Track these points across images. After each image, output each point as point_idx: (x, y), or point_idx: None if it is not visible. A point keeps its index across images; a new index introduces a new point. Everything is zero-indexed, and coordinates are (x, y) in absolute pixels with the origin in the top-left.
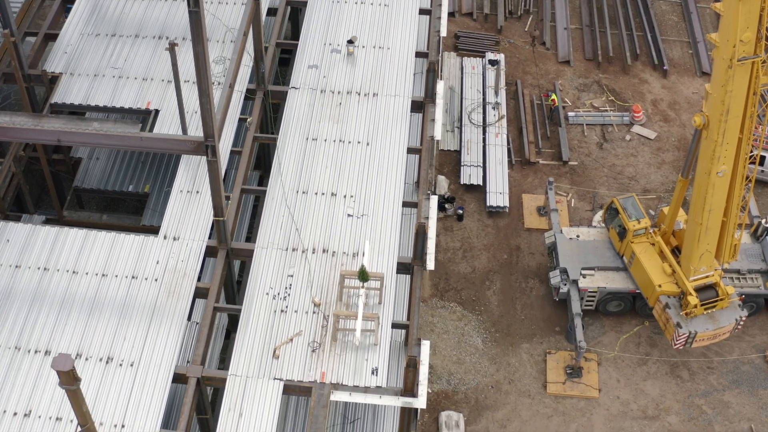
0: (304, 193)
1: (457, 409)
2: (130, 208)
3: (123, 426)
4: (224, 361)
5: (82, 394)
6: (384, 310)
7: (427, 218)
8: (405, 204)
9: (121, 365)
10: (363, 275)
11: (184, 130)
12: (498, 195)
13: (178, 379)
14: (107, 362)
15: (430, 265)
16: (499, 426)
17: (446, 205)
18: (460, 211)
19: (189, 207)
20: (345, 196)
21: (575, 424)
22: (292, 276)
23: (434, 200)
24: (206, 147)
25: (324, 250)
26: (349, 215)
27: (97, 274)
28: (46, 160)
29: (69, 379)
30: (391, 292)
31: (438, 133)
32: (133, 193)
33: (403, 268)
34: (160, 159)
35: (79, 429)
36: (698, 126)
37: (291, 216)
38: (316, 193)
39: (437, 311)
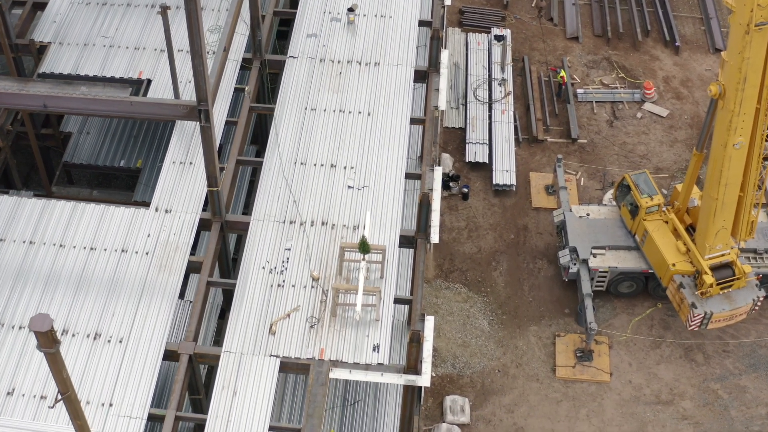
0: (302, 164)
1: (463, 394)
2: (122, 184)
3: (111, 405)
4: (218, 343)
5: (62, 358)
6: (386, 285)
7: (431, 190)
8: (408, 176)
9: (109, 342)
10: (364, 246)
11: (177, 95)
12: (504, 173)
13: (170, 356)
14: (95, 338)
15: (435, 238)
16: (506, 411)
17: (451, 184)
18: (465, 190)
19: (182, 178)
20: (345, 168)
21: (585, 409)
22: (289, 249)
23: (438, 172)
24: (199, 111)
25: (323, 223)
26: (349, 187)
27: (85, 248)
28: (35, 134)
29: (47, 341)
30: (394, 266)
31: (442, 103)
32: (125, 169)
33: (406, 241)
34: (153, 133)
35: (59, 397)
36: (714, 95)
37: (289, 188)
38: (315, 165)
39: (441, 292)
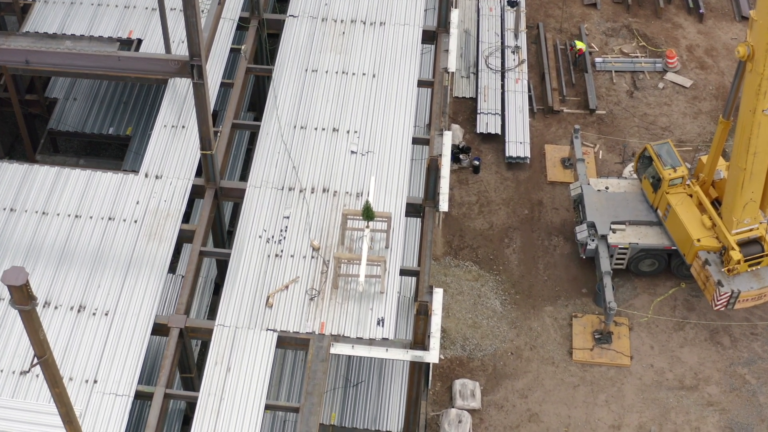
0: (302, 128)
1: (473, 378)
2: (111, 153)
3: (95, 381)
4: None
5: (38, 316)
6: (391, 255)
7: (440, 155)
8: (415, 141)
9: (94, 315)
10: (368, 213)
11: (168, 49)
12: (518, 145)
13: (159, 330)
14: (79, 311)
15: (444, 206)
16: (520, 396)
17: (461, 156)
18: (477, 163)
19: (173, 143)
20: (348, 132)
21: (604, 394)
22: (288, 218)
23: (448, 136)
24: (192, 67)
25: (324, 190)
26: (352, 152)
27: (69, 216)
28: (18, 100)
29: (22, 297)
30: (400, 235)
31: (452, 64)
32: (114, 137)
33: (413, 210)
34: (144, 99)
35: (35, 361)
36: (742, 57)
37: (288, 153)
38: (316, 129)
39: (451, 270)
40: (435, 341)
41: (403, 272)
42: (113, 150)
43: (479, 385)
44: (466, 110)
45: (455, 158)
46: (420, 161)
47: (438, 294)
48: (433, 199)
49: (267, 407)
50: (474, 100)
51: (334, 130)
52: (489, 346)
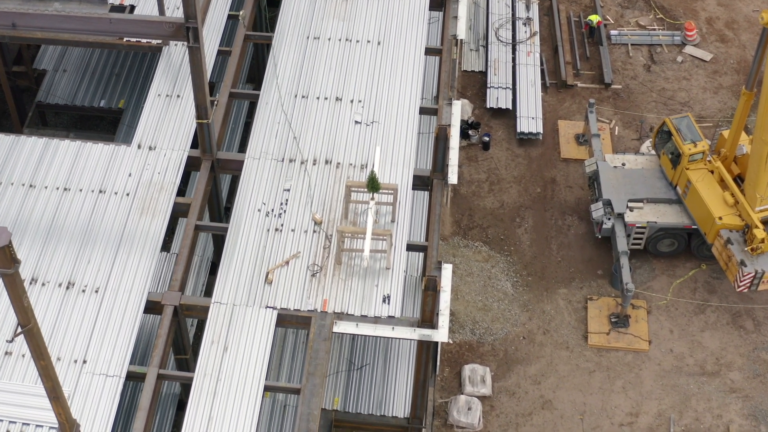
0: (303, 97)
1: (483, 363)
2: (102, 127)
3: (85, 361)
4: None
5: (21, 281)
6: (398, 229)
7: (449, 125)
8: (423, 110)
9: (83, 292)
10: (373, 184)
11: (162, 11)
12: (530, 120)
13: (152, 308)
14: (68, 288)
15: (453, 178)
16: (533, 382)
17: (470, 132)
18: (486, 139)
19: (168, 113)
20: (352, 101)
21: (621, 380)
22: (288, 190)
23: (457, 106)
24: (187, 30)
25: (326, 162)
26: (356, 122)
27: (58, 189)
28: (5, 72)
29: (4, 259)
30: (407, 209)
31: (462, 32)
32: (106, 110)
33: (420, 182)
34: (137, 71)
35: (18, 330)
36: (766, 24)
37: (288, 123)
38: (318, 98)
39: (460, 251)
40: (444, 319)
41: (410, 247)
42: (105, 125)
43: (490, 371)
44: (475, 84)
45: (464, 134)
46: (428, 134)
47: (447, 270)
48: (441, 171)
49: (266, 389)
50: (483, 74)
51: (337, 99)
52: (500, 330)
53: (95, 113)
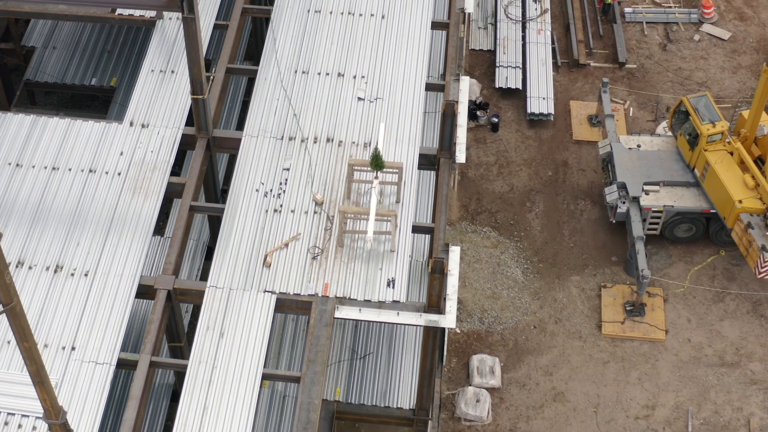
0: (304, 73)
1: (492, 353)
2: (94, 106)
3: (73, 348)
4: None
5: (3, 255)
6: (403, 210)
7: (457, 101)
8: (429, 87)
9: (72, 275)
10: (377, 161)
11: None
12: (541, 100)
13: (145, 293)
14: (56, 272)
15: (461, 157)
16: (544, 373)
17: (478, 113)
18: (495, 120)
19: (162, 89)
20: (355, 77)
21: (637, 371)
22: (288, 169)
23: (465, 82)
24: (181, 0)
25: (328, 140)
26: (359, 99)
27: (46, 168)
28: None
29: None
30: (412, 189)
31: (470, 5)
32: (97, 88)
33: (426, 162)
34: (130, 48)
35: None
36: None
37: (288, 99)
38: (320, 74)
39: (467, 236)
40: (452, 304)
41: (416, 229)
42: (97, 105)
43: (499, 362)
44: (483, 64)
45: (472, 115)
46: (434, 114)
47: (455, 252)
48: (448, 150)
49: (264, 377)
50: (492, 53)
51: (339, 75)
52: (510, 319)
53: (86, 92)
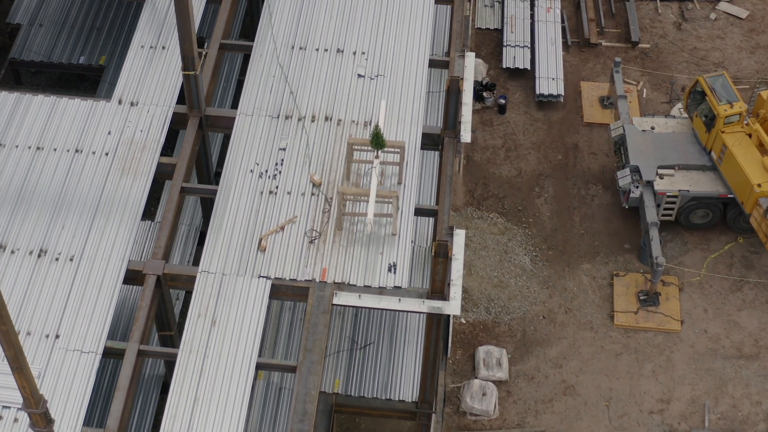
0: (301, 49)
1: (499, 344)
2: (84, 87)
3: (57, 336)
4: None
5: None
6: (405, 191)
7: (462, 78)
8: (432, 63)
9: (57, 260)
10: (377, 140)
11: None
12: (550, 81)
13: (133, 278)
14: (39, 256)
15: (466, 136)
16: (553, 365)
17: (485, 94)
18: (502, 101)
19: (152, 66)
20: (355, 53)
21: (651, 364)
22: (284, 149)
23: (471, 58)
24: None
25: (327, 118)
26: (359, 75)
27: (30, 148)
28: None
29: None
30: (415, 170)
31: None
32: (85, 66)
33: (429, 141)
34: (120, 25)
35: None
36: None
37: (284, 76)
38: (318, 50)
39: (473, 222)
40: (456, 290)
41: (419, 212)
42: (86, 85)
43: (506, 353)
44: (490, 43)
45: (478, 96)
46: (438, 93)
47: (460, 235)
48: (453, 129)
49: (258, 367)
50: (499, 32)
51: (338, 51)
52: (517, 309)
53: (74, 71)
